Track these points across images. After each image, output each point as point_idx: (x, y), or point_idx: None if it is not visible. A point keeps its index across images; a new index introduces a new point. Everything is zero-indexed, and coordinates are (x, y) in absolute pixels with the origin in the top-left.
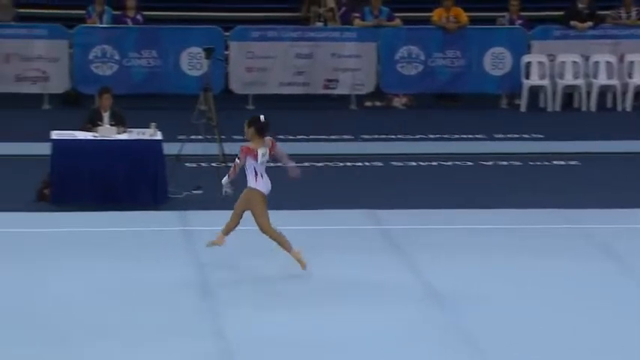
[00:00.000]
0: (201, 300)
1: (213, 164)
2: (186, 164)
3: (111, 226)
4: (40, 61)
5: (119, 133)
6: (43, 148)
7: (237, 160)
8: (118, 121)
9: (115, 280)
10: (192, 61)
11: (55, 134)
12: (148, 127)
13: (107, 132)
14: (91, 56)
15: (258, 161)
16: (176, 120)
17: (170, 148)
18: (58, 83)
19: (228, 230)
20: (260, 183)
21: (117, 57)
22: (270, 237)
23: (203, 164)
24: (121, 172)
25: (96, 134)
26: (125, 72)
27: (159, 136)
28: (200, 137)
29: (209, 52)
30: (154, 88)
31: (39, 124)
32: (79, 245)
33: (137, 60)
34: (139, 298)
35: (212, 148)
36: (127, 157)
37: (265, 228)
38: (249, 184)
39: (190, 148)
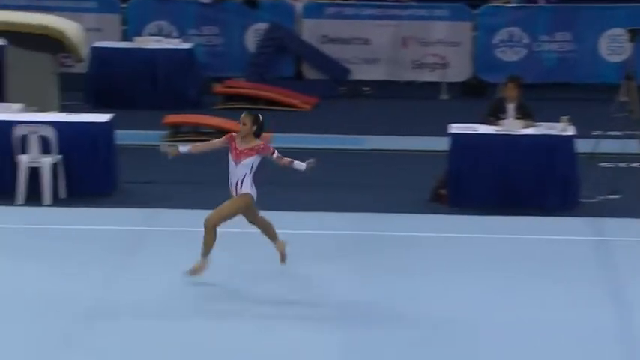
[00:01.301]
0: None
1: (634, 165)
2: (602, 164)
3: (512, 232)
4: (439, 46)
5: (526, 128)
6: (440, 143)
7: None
8: (525, 114)
9: (499, 295)
10: (613, 45)
11: (454, 128)
12: (558, 120)
13: (512, 126)
14: (496, 40)
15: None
16: (591, 113)
17: (583, 146)
18: (459, 70)
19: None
20: (253, 188)
21: (525, 41)
22: (209, 232)
23: (621, 165)
24: (526, 172)
25: (499, 128)
26: (534, 58)
27: (571, 131)
28: (619, 133)
29: (634, 35)
30: (566, 77)
31: (436, 116)
32: (476, 252)
33: (548, 44)
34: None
35: (632, 147)
36: (534, 155)
37: (218, 222)
38: (245, 189)
39: (607, 146)
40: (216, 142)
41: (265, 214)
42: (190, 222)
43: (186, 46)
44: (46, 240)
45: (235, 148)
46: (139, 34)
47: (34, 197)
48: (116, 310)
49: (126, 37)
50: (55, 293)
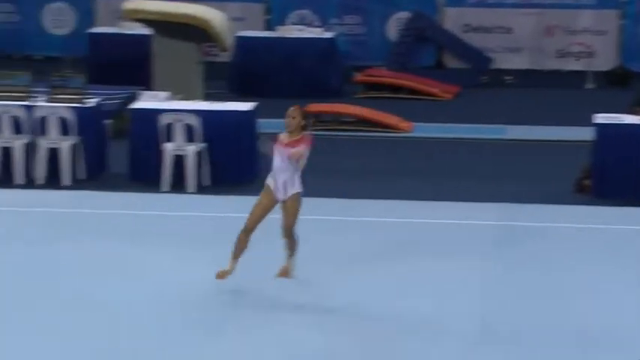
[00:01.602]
0: None
1: None
2: None
3: None
4: (585, 35)
5: None
6: (584, 133)
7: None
8: None
9: None
10: None
11: (599, 117)
12: None
13: None
14: None
15: None
16: None
17: None
18: (604, 59)
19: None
20: (301, 184)
21: None
22: (290, 238)
23: None
24: None
25: None
26: None
27: None
28: None
29: None
30: None
31: (580, 106)
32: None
33: None
34: None
35: None
36: None
37: (293, 228)
38: (296, 187)
39: None
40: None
41: (402, 204)
42: (331, 211)
43: (328, 35)
44: (189, 227)
45: (280, 143)
46: (282, 24)
47: (178, 184)
48: (258, 298)
49: (269, 26)
50: (201, 281)
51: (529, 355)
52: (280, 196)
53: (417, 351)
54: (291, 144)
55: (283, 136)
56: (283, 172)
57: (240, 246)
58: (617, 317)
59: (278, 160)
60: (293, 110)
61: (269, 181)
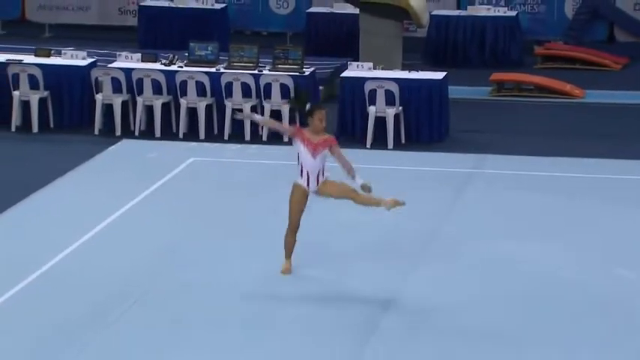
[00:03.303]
0: None
1: None
2: None
3: None
4: None
5: None
6: None
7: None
8: None
9: None
10: None
11: None
12: None
13: None
14: None
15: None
16: None
17: None
18: None
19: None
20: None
21: None
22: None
23: None
24: None
25: None
26: None
27: None
28: None
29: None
30: None
31: None
32: None
33: None
34: None
35: None
36: None
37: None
38: (325, 177)
39: None
40: (285, 128)
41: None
42: (512, 166)
43: (512, 13)
44: (388, 179)
45: (310, 143)
46: (472, 3)
47: (379, 142)
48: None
49: (460, 5)
50: (396, 225)
51: None
52: (313, 188)
53: None
54: (320, 144)
55: (310, 135)
56: (315, 168)
57: (290, 245)
58: None
59: (308, 157)
60: (324, 113)
61: (298, 180)
